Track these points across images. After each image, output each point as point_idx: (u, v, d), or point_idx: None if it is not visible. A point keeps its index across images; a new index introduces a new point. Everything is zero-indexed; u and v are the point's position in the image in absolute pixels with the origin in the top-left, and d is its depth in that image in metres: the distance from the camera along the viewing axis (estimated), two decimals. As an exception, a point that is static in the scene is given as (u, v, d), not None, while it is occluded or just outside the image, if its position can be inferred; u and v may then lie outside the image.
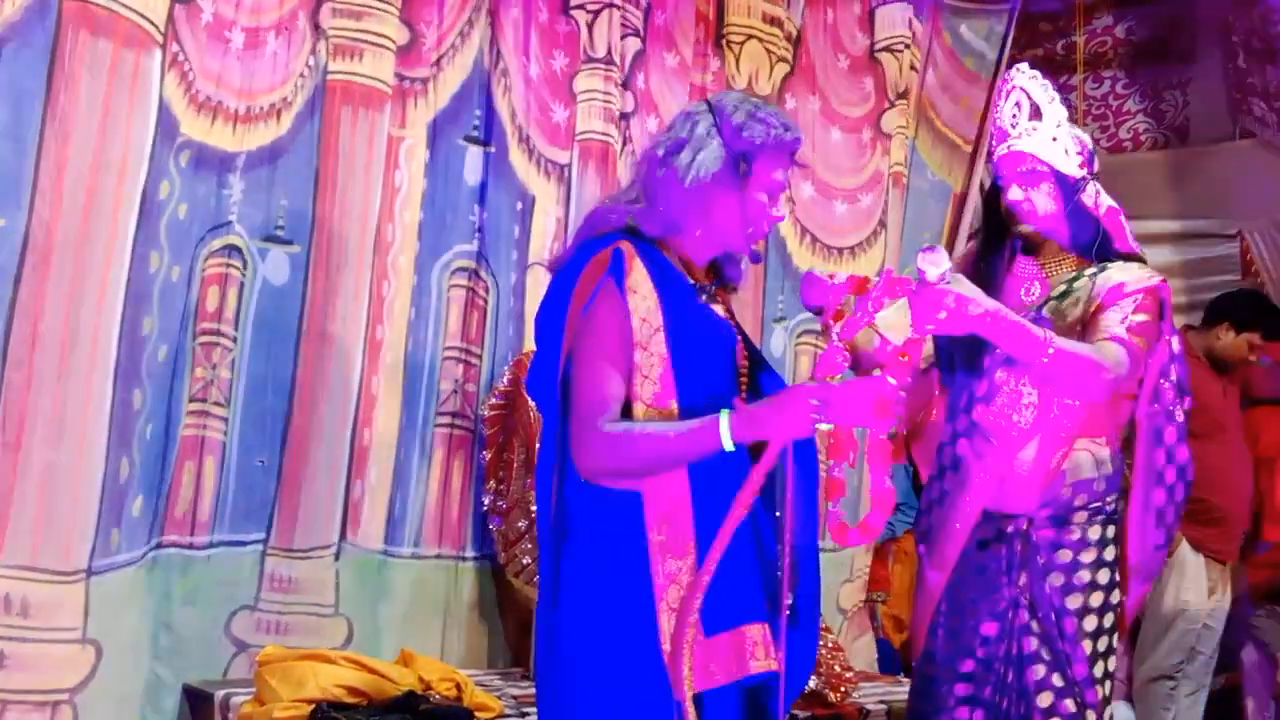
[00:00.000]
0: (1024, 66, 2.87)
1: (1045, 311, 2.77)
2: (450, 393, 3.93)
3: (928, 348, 2.92)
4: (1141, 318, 2.69)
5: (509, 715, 3.35)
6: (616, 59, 4.24)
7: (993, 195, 2.91)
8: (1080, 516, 2.75)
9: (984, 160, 5.06)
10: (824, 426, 2.18)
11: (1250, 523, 4.68)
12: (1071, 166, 2.78)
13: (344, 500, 3.68)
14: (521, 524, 3.83)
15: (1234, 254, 5.75)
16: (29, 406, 2.98)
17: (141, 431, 3.26)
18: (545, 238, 4.11)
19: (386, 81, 3.78)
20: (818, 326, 3.88)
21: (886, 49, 4.98)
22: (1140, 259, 2.82)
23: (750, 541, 2.20)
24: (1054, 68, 6.14)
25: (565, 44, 4.18)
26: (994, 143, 2.88)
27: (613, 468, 2.16)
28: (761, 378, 2.35)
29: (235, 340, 3.51)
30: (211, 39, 3.40)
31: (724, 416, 2.12)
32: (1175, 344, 2.84)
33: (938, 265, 2.31)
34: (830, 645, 3.96)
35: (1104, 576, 2.76)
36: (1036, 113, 2.79)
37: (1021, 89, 2.81)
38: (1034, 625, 2.72)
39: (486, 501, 3.91)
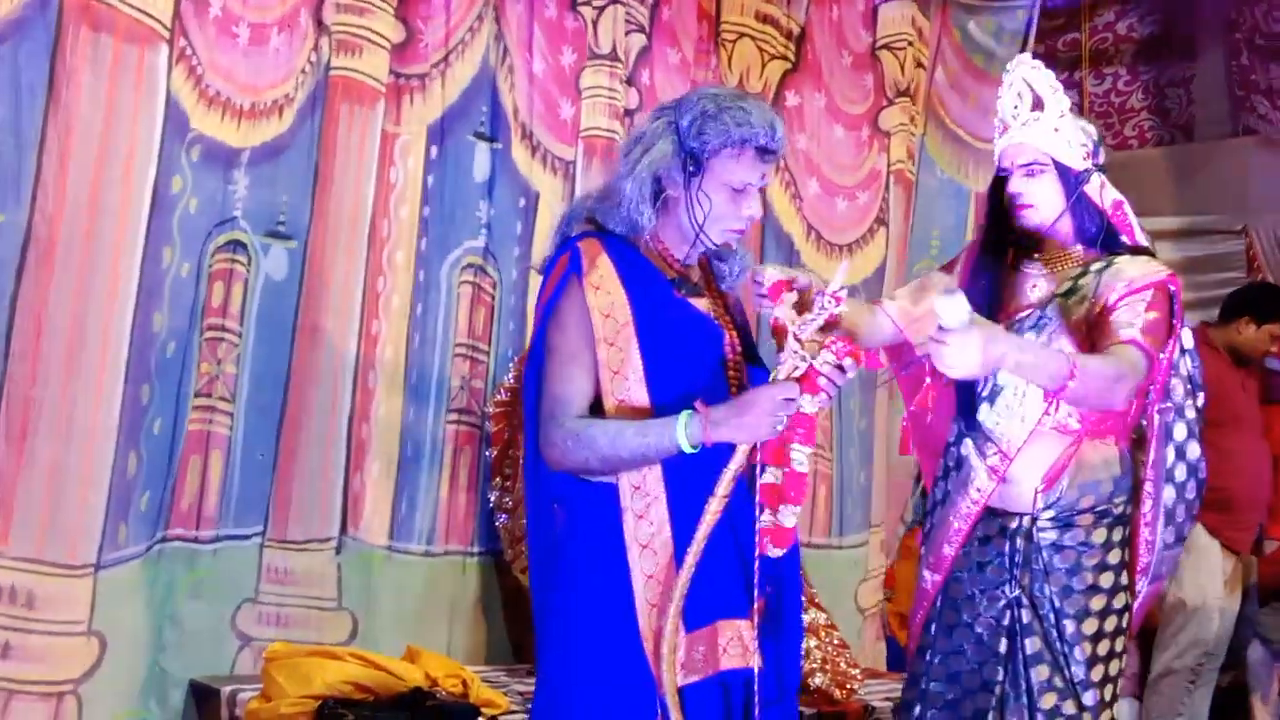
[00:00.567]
0: (1026, 57, 2.83)
1: (1050, 310, 2.72)
2: (457, 389, 3.93)
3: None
4: (1153, 315, 2.62)
5: (514, 711, 3.35)
6: (621, 55, 4.24)
7: (995, 188, 2.87)
8: (1086, 519, 2.69)
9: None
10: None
11: (1266, 516, 4.67)
12: (1075, 158, 2.73)
13: (343, 494, 3.69)
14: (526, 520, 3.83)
15: (1239, 250, 5.74)
16: (34, 400, 2.99)
17: (149, 427, 3.26)
18: (549, 234, 4.09)
19: (383, 79, 3.78)
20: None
21: (886, 46, 4.98)
22: (1150, 252, 2.78)
23: (729, 538, 2.20)
24: (1058, 64, 6.14)
25: (574, 40, 4.19)
26: (995, 134, 2.84)
27: (574, 464, 2.17)
28: (752, 375, 2.34)
29: (240, 336, 3.52)
30: (219, 34, 3.41)
31: (682, 418, 2.11)
32: (1187, 338, 2.78)
33: (957, 312, 2.29)
34: (836, 643, 3.96)
35: (1107, 580, 2.71)
36: (1038, 103, 2.74)
37: (1023, 79, 2.78)
38: (1036, 625, 2.69)
39: (492, 498, 3.91)
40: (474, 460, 3.94)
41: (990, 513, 2.74)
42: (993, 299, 2.76)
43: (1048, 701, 2.68)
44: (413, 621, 3.79)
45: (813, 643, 3.85)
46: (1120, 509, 2.73)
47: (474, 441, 3.95)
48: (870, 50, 4.96)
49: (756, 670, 2.18)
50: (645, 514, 2.17)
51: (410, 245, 3.85)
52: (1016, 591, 2.70)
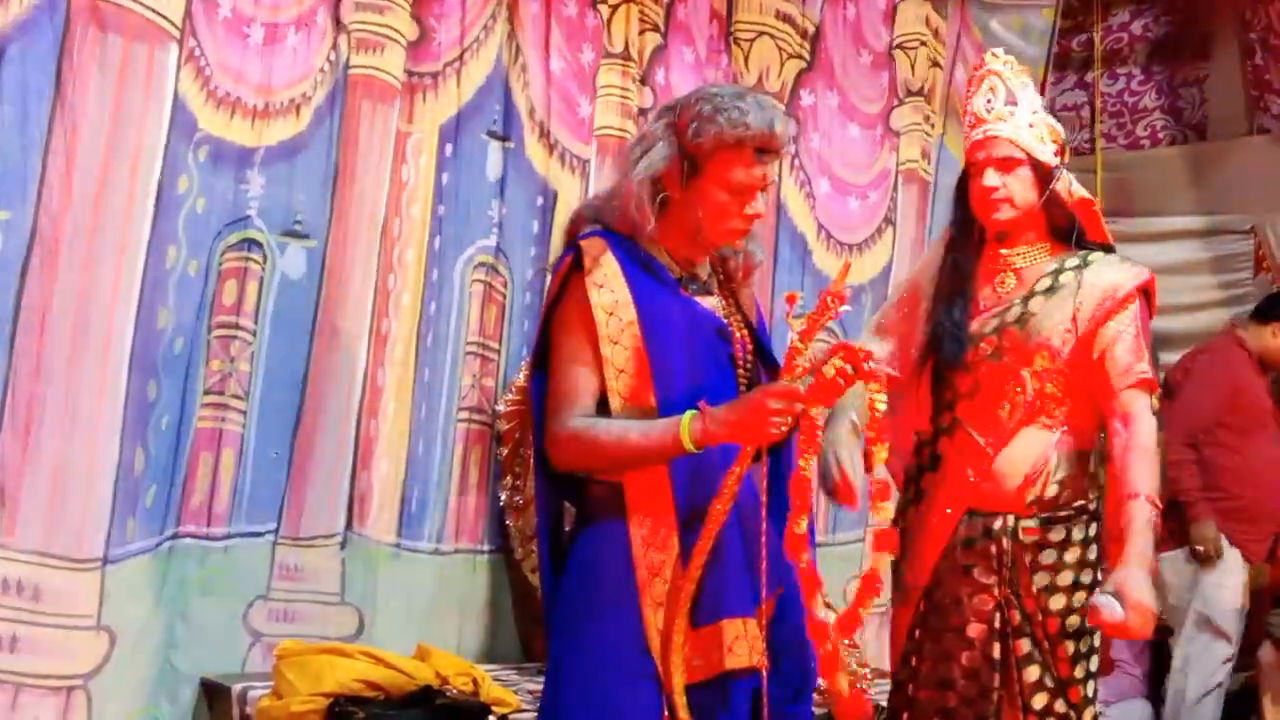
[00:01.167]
0: (999, 52, 2.86)
1: (1032, 306, 2.73)
2: (469, 388, 3.93)
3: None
4: (1139, 337, 2.67)
5: (525, 709, 3.35)
6: (635, 54, 4.24)
7: (964, 182, 2.89)
8: (1066, 514, 2.71)
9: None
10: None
11: None
12: (1047, 154, 2.75)
13: (350, 491, 3.69)
14: (537, 519, 3.84)
15: (1248, 250, 5.73)
16: (38, 394, 3.00)
17: (157, 423, 3.27)
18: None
19: (401, 77, 3.78)
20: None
21: (900, 46, 4.98)
22: (1113, 249, 2.81)
23: (736, 537, 2.20)
24: (1071, 64, 6.13)
25: (593, 38, 4.20)
26: (967, 128, 2.84)
27: (578, 463, 2.19)
28: (763, 374, 2.34)
29: (254, 334, 3.52)
30: (230, 34, 3.40)
31: (685, 418, 2.11)
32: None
33: (1116, 610, 2.40)
34: (845, 643, 3.95)
35: (1087, 576, 2.71)
36: (1012, 98, 2.77)
37: (995, 74, 2.80)
38: (1025, 626, 2.69)
39: (503, 497, 3.92)
40: (484, 459, 3.95)
41: (972, 514, 2.74)
42: (967, 289, 2.80)
43: (1039, 701, 2.69)
44: (423, 619, 3.79)
45: (822, 643, 3.84)
46: (1095, 504, 2.75)
47: (485, 440, 3.95)
48: (889, 49, 4.96)
49: (764, 670, 2.19)
50: (651, 513, 2.18)
51: (421, 244, 3.85)
52: (1006, 593, 2.70)
